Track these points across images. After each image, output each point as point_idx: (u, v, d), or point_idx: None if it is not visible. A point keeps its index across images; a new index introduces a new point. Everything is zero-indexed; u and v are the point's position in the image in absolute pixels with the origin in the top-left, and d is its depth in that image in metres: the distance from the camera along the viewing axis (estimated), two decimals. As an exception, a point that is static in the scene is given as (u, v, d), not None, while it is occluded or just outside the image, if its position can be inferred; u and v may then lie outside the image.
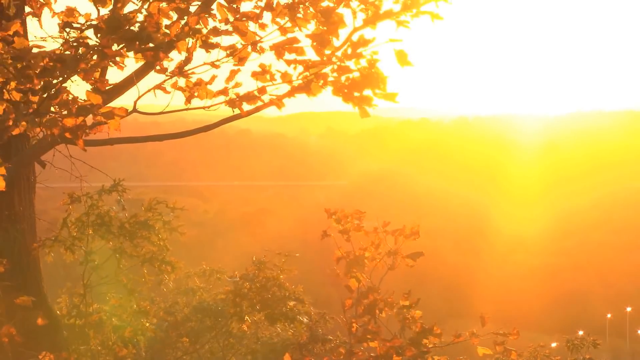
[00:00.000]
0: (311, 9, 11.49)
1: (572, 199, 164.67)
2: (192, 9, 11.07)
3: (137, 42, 9.96)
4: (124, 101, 12.39)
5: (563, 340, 24.17)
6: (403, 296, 12.18)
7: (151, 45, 10.15)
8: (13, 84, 9.24)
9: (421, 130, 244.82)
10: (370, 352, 12.03)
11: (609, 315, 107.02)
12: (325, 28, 11.37)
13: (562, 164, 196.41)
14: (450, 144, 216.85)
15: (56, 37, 10.44)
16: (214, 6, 11.41)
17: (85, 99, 9.60)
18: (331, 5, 11.47)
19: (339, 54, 11.40)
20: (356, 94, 11.45)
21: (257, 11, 11.49)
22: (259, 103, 11.89)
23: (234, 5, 11.33)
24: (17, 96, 9.30)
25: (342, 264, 12.47)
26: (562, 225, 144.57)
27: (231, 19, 11.34)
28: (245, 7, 11.50)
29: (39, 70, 9.22)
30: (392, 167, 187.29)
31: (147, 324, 19.52)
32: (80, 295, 18.63)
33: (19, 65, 9.16)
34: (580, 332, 25.68)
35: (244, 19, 11.38)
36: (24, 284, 14.29)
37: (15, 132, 9.52)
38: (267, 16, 11.66)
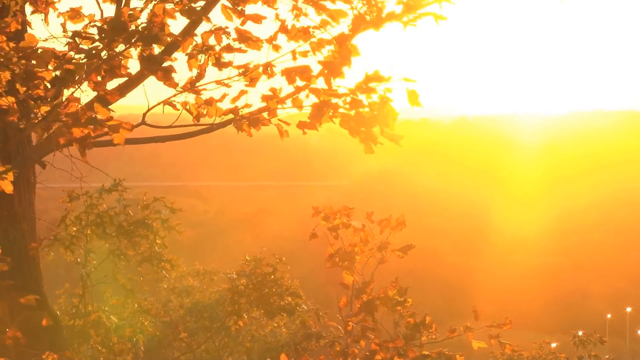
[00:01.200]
0: (325, 34, 11.44)
1: (572, 199, 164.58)
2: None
3: (143, 45, 9.97)
4: (131, 101, 12.41)
5: (564, 340, 24.25)
6: (391, 285, 12.17)
7: (157, 48, 10.16)
8: (21, 88, 9.27)
9: (421, 130, 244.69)
10: (366, 351, 12.02)
11: (609, 315, 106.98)
12: (337, 58, 11.29)
13: (562, 164, 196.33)
14: (450, 144, 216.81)
15: (59, 36, 10.45)
16: (219, 8, 11.41)
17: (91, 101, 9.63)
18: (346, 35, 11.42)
19: (352, 85, 11.31)
20: (363, 129, 11.40)
21: (262, 15, 11.48)
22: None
23: (239, 8, 11.32)
24: (27, 99, 9.33)
25: (335, 261, 12.48)
26: (562, 225, 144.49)
27: (236, 22, 11.33)
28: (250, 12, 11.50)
29: (49, 80, 9.24)
30: (392, 167, 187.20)
31: (146, 322, 19.56)
32: (79, 296, 18.64)
33: (23, 62, 9.18)
34: (580, 332, 25.70)
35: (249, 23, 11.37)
36: (24, 285, 14.29)
37: (28, 131, 9.56)
38: (281, 38, 11.63)
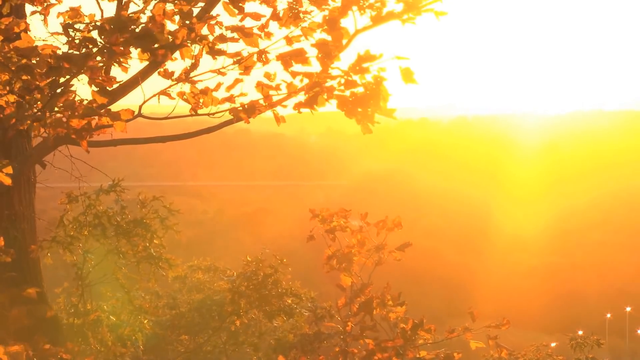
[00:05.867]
0: (316, 18, 11.47)
1: (572, 199, 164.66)
2: (195, 11, 11.05)
3: (143, 46, 9.97)
4: (128, 101, 12.39)
5: (563, 340, 24.18)
6: (384, 290, 12.15)
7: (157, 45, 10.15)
8: (19, 84, 9.27)
9: (421, 130, 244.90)
10: (364, 350, 12.02)
11: (608, 315, 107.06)
12: (330, 38, 11.31)
13: (562, 163, 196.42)
14: (450, 144, 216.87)
15: (59, 36, 10.45)
16: (220, 9, 11.42)
17: (90, 98, 9.63)
18: (336, 9, 11.45)
19: (344, 67, 11.32)
20: (360, 109, 11.37)
21: (261, 13, 11.50)
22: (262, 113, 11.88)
23: (240, 4, 11.32)
24: (23, 94, 9.33)
25: (332, 264, 12.48)
26: (561, 225, 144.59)
27: (236, 19, 11.34)
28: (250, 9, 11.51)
29: (45, 69, 9.23)
30: (392, 167, 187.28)
31: (146, 322, 19.55)
32: (78, 295, 18.64)
33: (23, 61, 9.18)
34: (580, 332, 25.69)
35: (248, 19, 11.38)
36: (25, 284, 14.29)
37: (23, 127, 9.56)
38: (272, 25, 11.65)
